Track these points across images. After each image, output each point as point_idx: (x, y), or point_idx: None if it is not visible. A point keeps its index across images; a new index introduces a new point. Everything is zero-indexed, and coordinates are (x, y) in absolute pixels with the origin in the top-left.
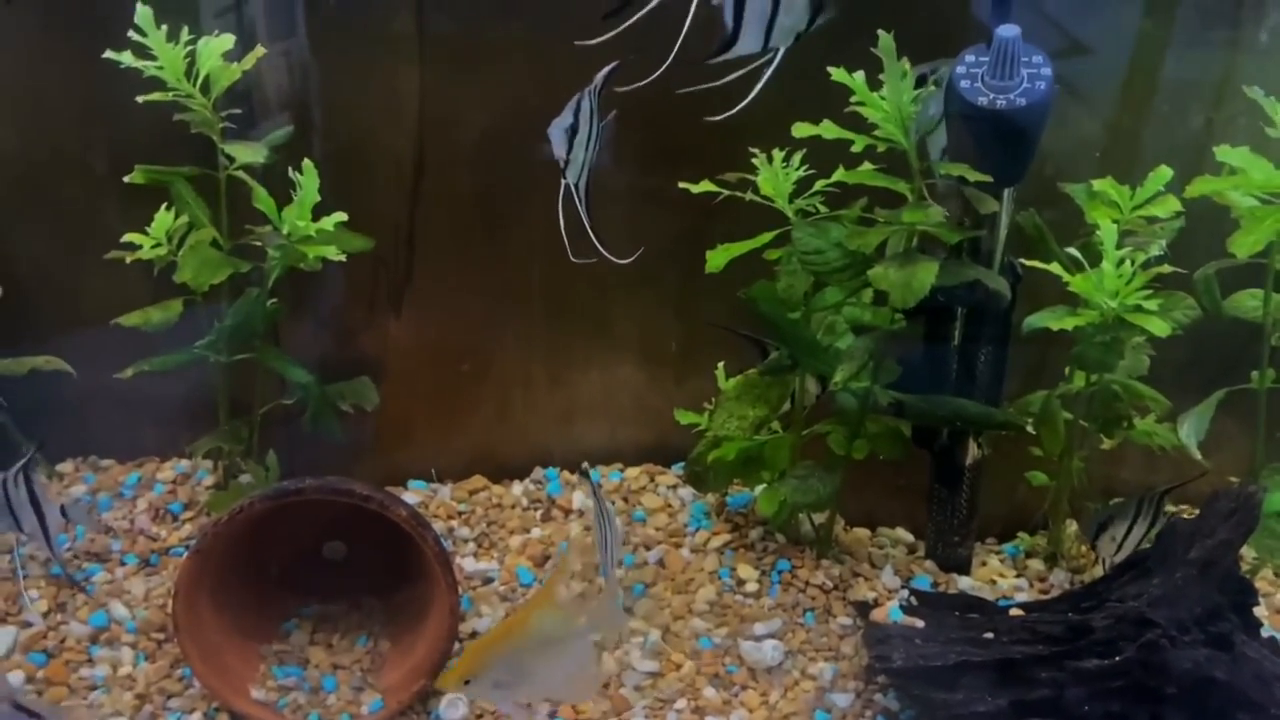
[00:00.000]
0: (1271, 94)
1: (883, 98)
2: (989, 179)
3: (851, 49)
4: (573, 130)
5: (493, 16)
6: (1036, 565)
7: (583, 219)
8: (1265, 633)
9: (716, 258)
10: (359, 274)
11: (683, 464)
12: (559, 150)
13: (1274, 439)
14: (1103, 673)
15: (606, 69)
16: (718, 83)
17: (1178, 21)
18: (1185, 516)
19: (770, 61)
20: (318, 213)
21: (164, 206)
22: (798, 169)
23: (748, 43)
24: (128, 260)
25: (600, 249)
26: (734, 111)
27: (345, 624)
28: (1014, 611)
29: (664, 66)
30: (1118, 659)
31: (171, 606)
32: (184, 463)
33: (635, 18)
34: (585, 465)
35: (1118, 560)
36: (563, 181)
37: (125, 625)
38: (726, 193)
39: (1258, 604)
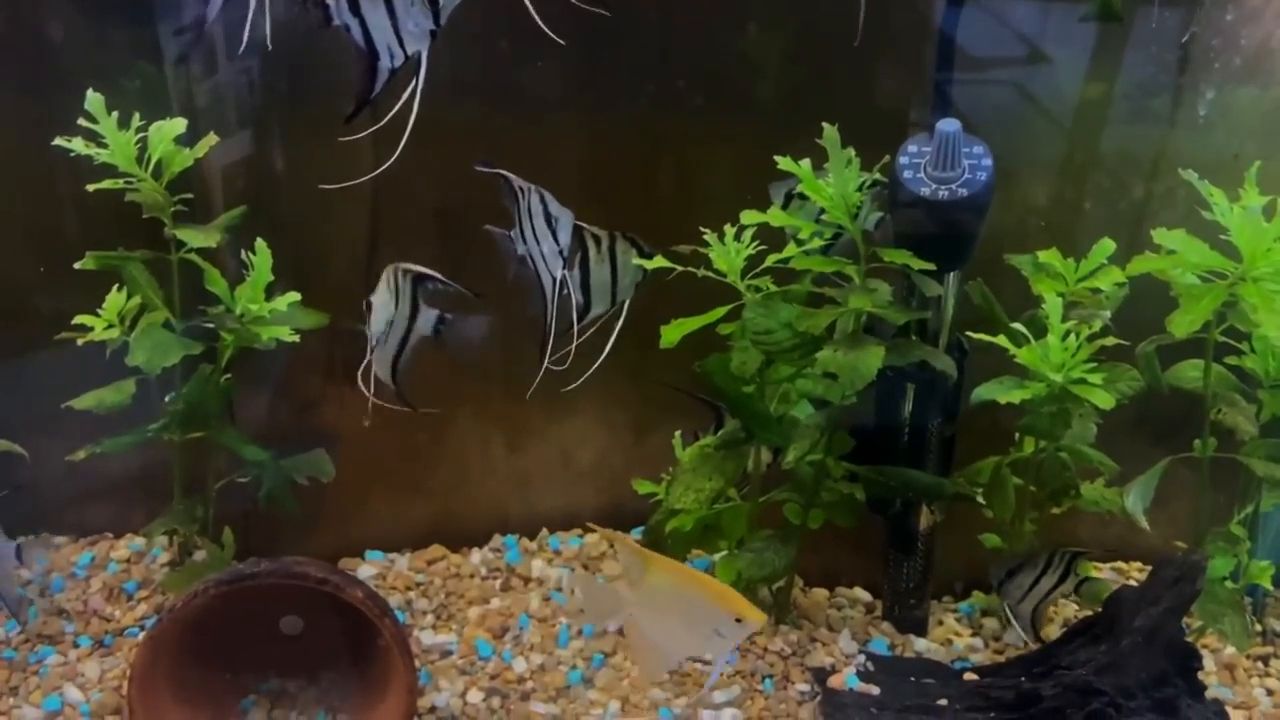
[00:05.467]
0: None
1: (829, 185)
2: (932, 266)
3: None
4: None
5: (444, 97)
6: (992, 624)
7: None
8: (1211, 693)
9: (670, 333)
10: (315, 346)
11: (643, 528)
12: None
13: (1215, 505)
14: None
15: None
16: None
17: (1121, 96)
18: (1130, 582)
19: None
20: (273, 289)
21: (116, 288)
22: (749, 245)
23: None
24: (80, 342)
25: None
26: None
27: (303, 700)
28: (968, 676)
29: None
30: None
31: (126, 691)
32: (138, 540)
33: None
34: None
35: (1019, 608)
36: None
37: (79, 709)
38: (680, 269)
39: (1201, 668)
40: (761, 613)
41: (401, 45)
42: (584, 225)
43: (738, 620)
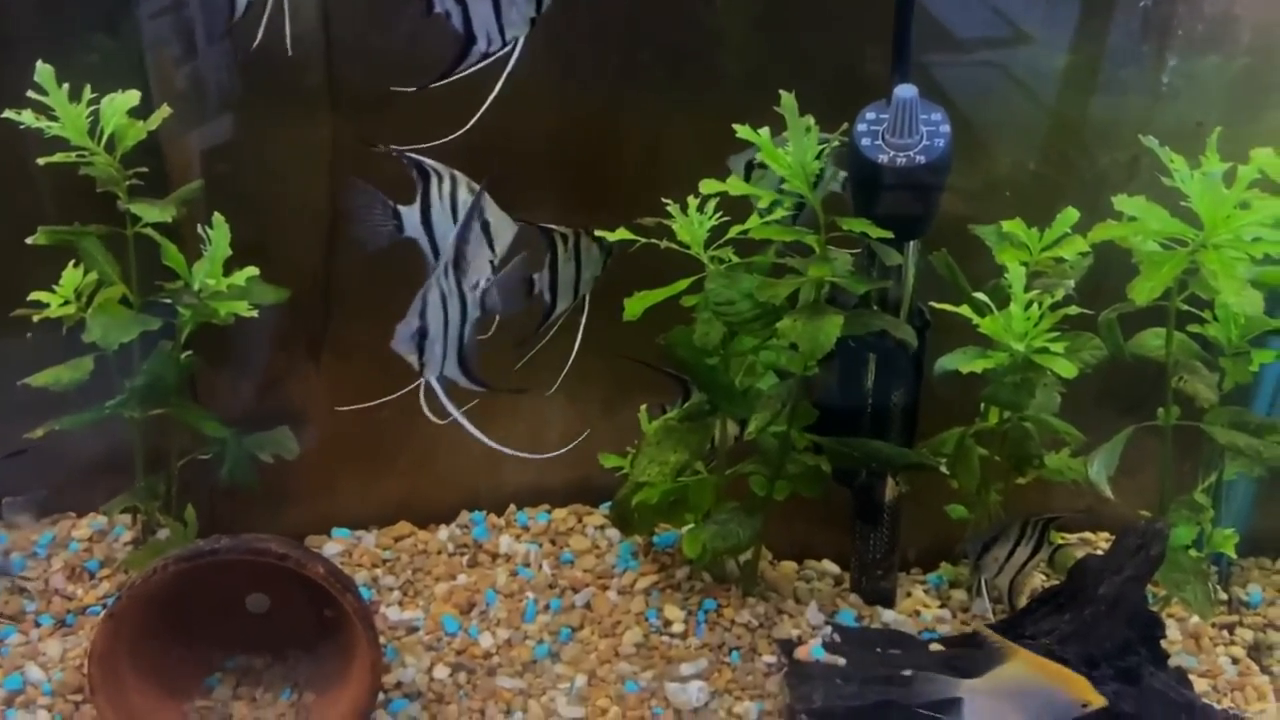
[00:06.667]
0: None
1: (788, 153)
2: (890, 235)
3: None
4: (421, 334)
5: (401, 70)
6: (959, 595)
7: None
8: (1176, 661)
9: (634, 305)
10: (277, 322)
11: (610, 503)
12: (410, 357)
13: (1180, 473)
14: None
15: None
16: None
17: (1083, 64)
18: (1096, 552)
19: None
20: (232, 264)
21: (72, 263)
22: (711, 217)
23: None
24: (35, 319)
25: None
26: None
27: (269, 677)
28: (934, 647)
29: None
30: None
31: (87, 670)
32: (100, 519)
33: None
34: None
35: (996, 581)
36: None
37: (41, 688)
38: (643, 240)
39: (1164, 636)
40: (1103, 697)
41: (501, 32)
42: (552, 226)
43: (1084, 705)
